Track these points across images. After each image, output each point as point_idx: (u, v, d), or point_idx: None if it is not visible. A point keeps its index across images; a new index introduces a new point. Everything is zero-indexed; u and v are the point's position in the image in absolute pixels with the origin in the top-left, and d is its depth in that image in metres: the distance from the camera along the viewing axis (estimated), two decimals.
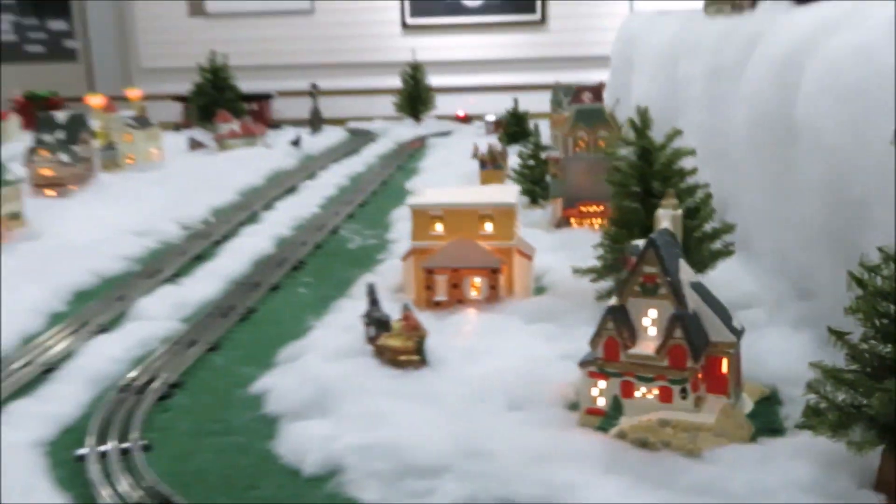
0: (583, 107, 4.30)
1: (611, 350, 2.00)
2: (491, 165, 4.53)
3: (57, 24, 15.00)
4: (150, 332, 2.66)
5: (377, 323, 2.44)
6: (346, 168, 5.34)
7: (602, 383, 2.01)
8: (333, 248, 3.66)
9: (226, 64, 6.59)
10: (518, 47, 11.29)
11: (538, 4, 11.17)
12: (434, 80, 9.77)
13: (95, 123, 5.33)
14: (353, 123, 7.36)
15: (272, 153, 5.81)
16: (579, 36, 11.33)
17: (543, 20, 11.19)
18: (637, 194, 2.55)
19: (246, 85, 7.61)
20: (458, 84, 8.85)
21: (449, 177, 4.79)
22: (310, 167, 5.36)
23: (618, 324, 1.99)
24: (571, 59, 11.21)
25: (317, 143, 6.33)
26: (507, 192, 2.90)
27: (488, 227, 2.76)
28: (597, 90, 5.21)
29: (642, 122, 2.58)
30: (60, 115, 4.74)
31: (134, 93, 6.60)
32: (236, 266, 3.34)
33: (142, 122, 5.40)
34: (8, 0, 14.81)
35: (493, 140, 5.81)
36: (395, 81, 10.78)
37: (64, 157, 4.49)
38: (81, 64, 14.89)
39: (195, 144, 6.07)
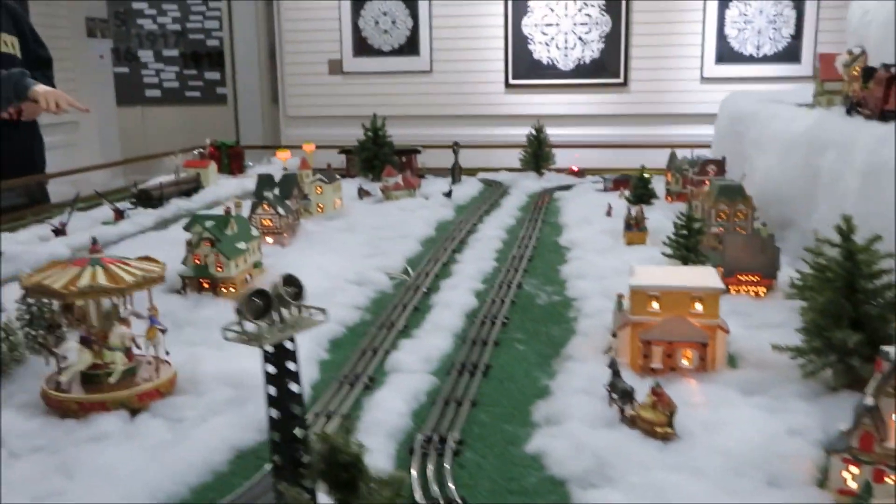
0: (724, 183, 4.25)
1: (866, 442, 1.97)
2: (636, 228, 4.49)
3: (211, 75, 15.36)
4: (414, 386, 2.66)
5: (622, 393, 2.42)
6: (497, 221, 5.33)
7: (854, 469, 1.98)
8: (525, 304, 3.65)
9: (384, 123, 6.62)
10: (603, 105, 11.25)
11: (621, 69, 11.09)
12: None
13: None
14: (481, 174, 7.34)
15: (429, 203, 5.83)
16: (655, 97, 11.23)
17: (626, 83, 11.11)
18: (842, 289, 2.51)
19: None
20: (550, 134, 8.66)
21: (594, 235, 4.73)
22: (467, 219, 5.36)
23: (874, 420, 1.96)
24: (648, 115, 11.14)
25: (461, 193, 6.32)
26: (710, 277, 2.87)
27: (698, 306, 2.74)
28: (720, 164, 5.14)
29: (848, 228, 2.53)
30: (276, 176, 4.83)
31: (309, 147, 6.67)
32: (454, 320, 3.34)
33: (329, 176, 5.47)
34: (173, 54, 15.20)
35: (615, 198, 5.78)
36: (499, 132, 10.81)
37: (280, 210, 4.56)
38: (230, 107, 15.23)
39: (363, 193, 6.13)
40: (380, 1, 11.29)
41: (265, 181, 4.73)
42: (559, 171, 7.25)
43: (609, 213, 5.27)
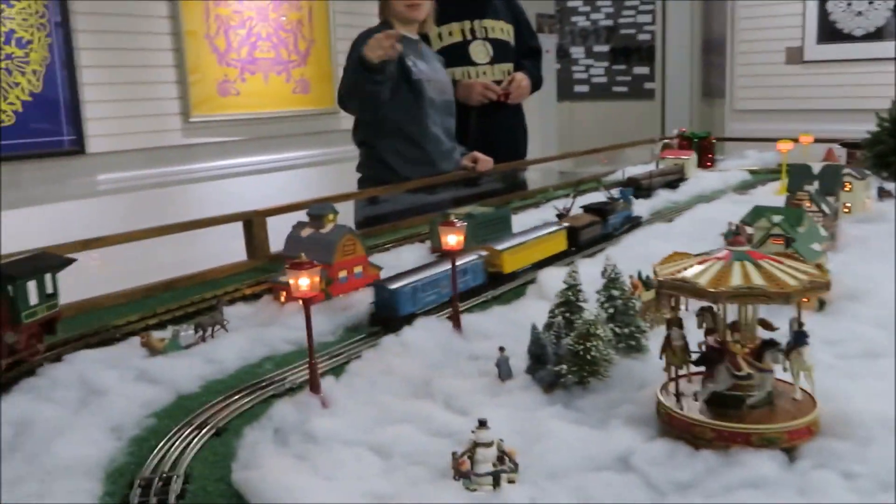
0: None
1: None
2: None
3: (640, 70, 15.02)
4: None
5: None
6: None
7: None
8: None
9: None
10: None
11: None
12: None
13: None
14: None
15: None
16: None
17: None
18: None
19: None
20: None
21: None
22: None
23: None
24: None
25: None
26: None
27: None
28: None
29: None
30: (816, 166, 4.03)
31: (806, 138, 5.75)
32: None
33: (860, 172, 4.47)
34: (603, 50, 15.12)
35: None
36: None
37: (824, 208, 3.73)
38: (657, 102, 14.73)
39: (884, 193, 5.00)
40: None
41: (801, 172, 3.96)
42: None
43: None
